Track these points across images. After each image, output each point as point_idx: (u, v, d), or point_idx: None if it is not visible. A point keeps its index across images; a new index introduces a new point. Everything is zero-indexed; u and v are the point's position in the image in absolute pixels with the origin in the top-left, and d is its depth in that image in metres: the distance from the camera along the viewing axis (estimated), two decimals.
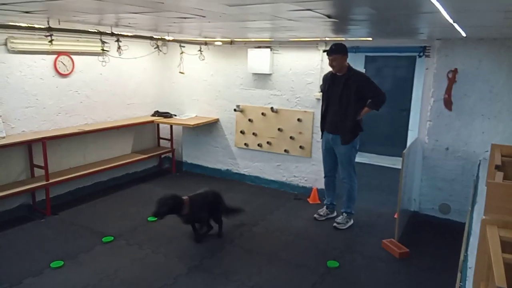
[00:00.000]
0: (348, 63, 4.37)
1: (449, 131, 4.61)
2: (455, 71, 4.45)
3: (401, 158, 3.98)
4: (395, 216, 4.31)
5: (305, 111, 5.46)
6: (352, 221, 4.63)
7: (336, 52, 4.26)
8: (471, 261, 1.93)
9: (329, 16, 2.60)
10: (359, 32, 4.16)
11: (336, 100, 4.39)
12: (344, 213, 4.62)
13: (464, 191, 4.49)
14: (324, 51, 4.40)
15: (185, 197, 3.93)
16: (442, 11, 2.26)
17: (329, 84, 4.47)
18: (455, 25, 2.99)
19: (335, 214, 4.81)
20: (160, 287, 3.28)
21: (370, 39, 4.76)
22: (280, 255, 3.90)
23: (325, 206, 4.85)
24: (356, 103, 4.30)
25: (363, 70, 7.98)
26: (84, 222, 4.54)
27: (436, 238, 4.38)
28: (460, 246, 3.08)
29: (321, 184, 5.42)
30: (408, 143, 6.50)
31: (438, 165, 4.71)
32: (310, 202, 5.32)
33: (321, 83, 4.79)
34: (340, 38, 4.84)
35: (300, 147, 5.59)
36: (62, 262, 3.62)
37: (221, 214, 4.29)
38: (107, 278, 3.42)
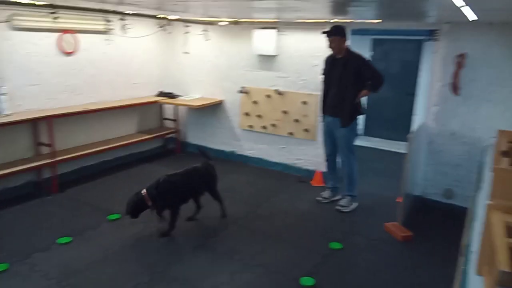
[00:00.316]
0: (347, 46, 4.35)
1: (455, 116, 4.59)
2: (463, 56, 4.40)
3: (405, 143, 3.98)
4: (399, 200, 4.34)
5: (310, 94, 5.43)
6: (356, 204, 4.67)
7: (335, 34, 4.25)
8: (475, 246, 1.95)
9: None
10: (367, 14, 4.11)
11: (335, 82, 4.40)
12: (346, 196, 4.65)
13: (468, 176, 4.50)
14: (323, 32, 4.37)
15: (143, 191, 3.75)
16: None
17: (329, 67, 4.48)
18: (466, 8, 2.94)
19: (338, 197, 4.84)
20: (165, 265, 3.34)
21: (379, 21, 4.68)
22: (283, 236, 3.95)
23: (328, 189, 4.89)
24: (355, 85, 4.30)
25: (370, 53, 7.93)
26: (90, 199, 4.59)
27: (439, 222, 4.42)
28: (462, 231, 3.11)
29: (325, 167, 5.44)
30: (414, 128, 6.48)
31: (443, 150, 4.72)
32: (314, 185, 5.35)
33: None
34: (348, 20, 4.77)
35: (305, 130, 5.59)
36: (70, 238, 3.69)
37: (214, 188, 4.18)
38: (113, 255, 3.49)
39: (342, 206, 4.61)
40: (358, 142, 7.79)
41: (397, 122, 7.97)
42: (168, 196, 3.77)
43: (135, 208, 3.75)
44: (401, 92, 7.88)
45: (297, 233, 4.04)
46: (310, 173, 5.57)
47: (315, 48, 5.28)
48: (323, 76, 4.61)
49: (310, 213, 4.53)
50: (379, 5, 3.44)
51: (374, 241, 3.93)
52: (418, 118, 7.17)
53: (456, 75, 4.47)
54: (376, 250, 3.76)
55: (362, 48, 7.83)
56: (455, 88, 4.50)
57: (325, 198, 4.82)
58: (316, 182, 5.38)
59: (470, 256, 1.94)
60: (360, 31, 6.91)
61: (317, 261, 3.52)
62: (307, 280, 3.21)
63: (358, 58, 4.32)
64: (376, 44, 7.94)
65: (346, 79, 4.30)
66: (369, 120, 8.30)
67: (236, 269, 3.34)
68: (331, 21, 4.92)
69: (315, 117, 5.46)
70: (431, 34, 4.71)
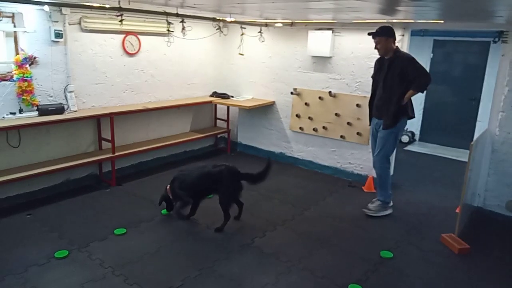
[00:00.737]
0: (396, 46, 4.25)
1: None
2: None
3: (466, 150, 3.76)
4: (457, 210, 4.10)
5: (365, 96, 5.27)
6: (388, 211, 4.49)
7: (381, 34, 4.17)
8: None
9: None
10: (430, 14, 3.92)
11: (381, 84, 4.31)
12: (377, 201, 4.52)
13: None
14: (368, 33, 4.28)
15: (168, 186, 4.18)
16: None
17: (377, 68, 4.40)
18: None
19: (391, 204, 4.68)
20: (213, 261, 3.41)
21: (442, 21, 4.46)
22: (331, 241, 3.88)
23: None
24: (400, 86, 4.15)
25: (430, 55, 7.59)
26: (145, 194, 4.80)
27: (500, 236, 4.12)
28: None
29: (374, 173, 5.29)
30: (476, 135, 6.11)
31: (508, 160, 4.39)
32: (365, 190, 5.20)
33: None
34: (408, 20, 4.60)
35: (358, 133, 5.45)
36: (125, 230, 3.88)
37: (223, 197, 3.94)
38: (165, 248, 3.62)
39: (369, 209, 4.46)
40: (414, 148, 7.53)
41: (457, 128, 7.56)
42: (178, 190, 4.04)
43: (163, 200, 4.20)
44: (464, 96, 7.46)
45: (345, 239, 3.95)
46: (361, 178, 5.43)
47: (371, 49, 5.11)
48: (372, 78, 4.51)
49: (360, 219, 4.41)
50: (444, 5, 3.27)
51: (428, 252, 3.74)
52: (482, 125, 6.76)
53: None
54: (430, 262, 3.58)
55: (423, 49, 7.55)
56: None
57: (372, 210, 4.66)
58: (367, 187, 5.23)
59: None
60: (421, 32, 6.61)
61: (366, 269, 3.41)
62: None
63: (403, 57, 4.19)
64: (438, 45, 7.58)
65: (391, 79, 4.19)
66: (426, 125, 7.96)
67: (282, 270, 3.33)
68: (391, 21, 4.77)
69: (369, 121, 5.31)
70: (499, 35, 4.40)
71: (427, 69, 7.59)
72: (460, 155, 6.88)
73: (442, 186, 5.57)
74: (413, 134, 7.95)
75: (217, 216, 3.98)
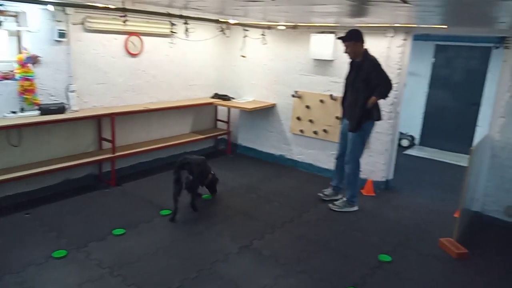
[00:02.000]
0: (366, 49, 4.32)
1: None
2: None
3: (466, 155, 3.77)
4: (455, 215, 4.10)
5: None
6: (353, 208, 4.65)
7: (349, 39, 4.29)
8: None
9: (404, 1, 2.48)
10: (432, 19, 3.94)
11: (350, 86, 4.44)
12: (344, 198, 4.69)
13: None
14: (337, 38, 4.40)
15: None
16: None
17: (349, 70, 4.51)
18: None
19: (339, 196, 4.83)
20: (212, 263, 3.42)
21: (445, 26, 4.47)
22: (330, 244, 3.88)
23: (331, 187, 4.93)
24: (365, 90, 4.26)
25: (432, 60, 7.61)
26: (145, 194, 4.81)
27: (498, 241, 4.13)
28: None
29: (377, 177, 5.31)
30: (476, 140, 6.12)
31: (508, 165, 4.39)
32: (364, 194, 5.20)
33: None
34: (411, 25, 4.62)
35: None
36: (124, 230, 3.88)
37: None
38: (164, 249, 3.62)
39: (334, 205, 4.67)
40: (413, 152, 7.54)
41: (457, 133, 7.57)
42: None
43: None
44: (464, 101, 7.47)
45: (344, 242, 3.95)
46: (361, 182, 5.41)
47: (374, 53, 5.11)
48: (345, 80, 4.61)
49: (359, 222, 4.41)
50: (447, 11, 3.29)
51: (426, 256, 3.74)
52: (482, 130, 6.78)
53: None
54: (428, 266, 3.58)
55: (425, 54, 7.57)
56: None
57: (326, 195, 4.87)
58: (366, 191, 5.22)
59: None
60: (423, 36, 6.63)
61: (364, 272, 3.41)
62: None
63: (370, 62, 4.27)
64: (439, 50, 7.59)
65: (358, 83, 4.31)
66: (426, 130, 7.97)
67: (280, 273, 3.33)
68: (393, 25, 4.79)
69: None
70: (501, 41, 4.42)
71: (429, 73, 7.71)
72: (459, 159, 6.89)
73: (441, 190, 5.58)
74: (413, 138, 7.97)
75: (216, 217, 3.99)
